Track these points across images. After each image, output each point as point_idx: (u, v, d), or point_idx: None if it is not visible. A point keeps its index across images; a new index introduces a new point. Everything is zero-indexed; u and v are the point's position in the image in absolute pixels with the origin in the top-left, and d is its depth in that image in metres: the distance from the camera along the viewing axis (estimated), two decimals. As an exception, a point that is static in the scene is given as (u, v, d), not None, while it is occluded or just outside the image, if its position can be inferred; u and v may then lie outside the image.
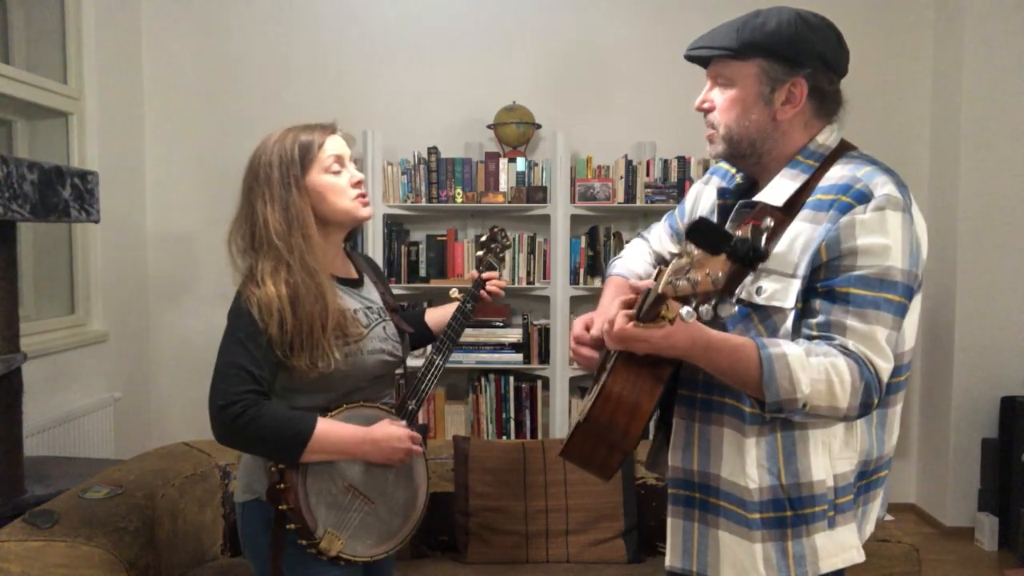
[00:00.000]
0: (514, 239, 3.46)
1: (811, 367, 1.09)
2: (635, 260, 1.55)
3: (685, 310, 0.94)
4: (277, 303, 1.35)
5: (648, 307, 1.07)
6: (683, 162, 3.44)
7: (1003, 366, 3.44)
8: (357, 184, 1.48)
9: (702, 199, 1.46)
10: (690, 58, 1.30)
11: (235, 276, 1.45)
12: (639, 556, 2.21)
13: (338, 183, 1.45)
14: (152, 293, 3.66)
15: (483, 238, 1.78)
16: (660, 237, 1.56)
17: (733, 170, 1.40)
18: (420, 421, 1.55)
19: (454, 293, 1.74)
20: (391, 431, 1.44)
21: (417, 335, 1.75)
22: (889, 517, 2.06)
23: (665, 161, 3.46)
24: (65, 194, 2.14)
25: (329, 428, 1.38)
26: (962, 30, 3.42)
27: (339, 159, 1.46)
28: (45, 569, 1.60)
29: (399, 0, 3.62)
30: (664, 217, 1.58)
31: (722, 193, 1.35)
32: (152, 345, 3.67)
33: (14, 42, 2.97)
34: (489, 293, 1.71)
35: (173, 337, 3.66)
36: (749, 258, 0.86)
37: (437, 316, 1.78)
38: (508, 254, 3.43)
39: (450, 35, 3.64)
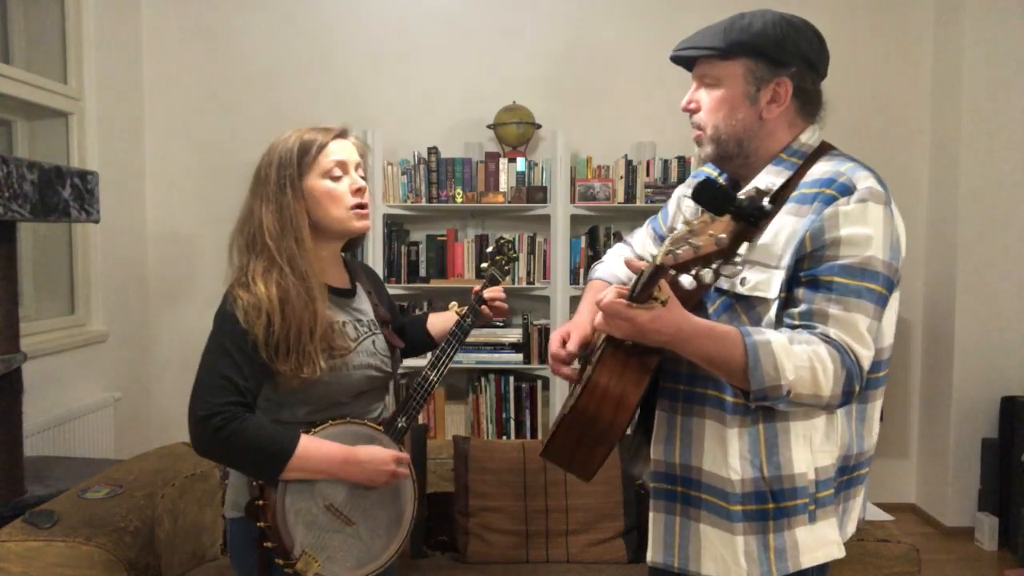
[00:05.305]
0: (514, 239, 3.46)
1: (795, 354, 1.09)
2: (617, 264, 1.54)
3: (686, 279, 0.92)
4: (266, 304, 1.30)
5: (643, 284, 1.04)
6: (683, 162, 3.44)
7: (1003, 366, 3.44)
8: (358, 192, 1.42)
9: (684, 202, 1.47)
10: (676, 59, 1.31)
11: (232, 275, 1.41)
12: (639, 556, 2.20)
13: (336, 189, 1.39)
14: (152, 293, 3.66)
15: (489, 249, 1.73)
16: (643, 241, 1.56)
17: (715, 173, 1.41)
18: (419, 422, 1.52)
19: (455, 307, 1.67)
20: (376, 453, 1.39)
21: (419, 343, 1.72)
22: (889, 517, 2.06)
23: (665, 161, 3.46)
24: (65, 194, 2.14)
25: (312, 446, 1.33)
26: (962, 30, 3.41)
27: (341, 164, 1.40)
28: (45, 569, 1.60)
29: (399, 0, 3.63)
30: (647, 221, 1.58)
31: None
32: (152, 345, 3.67)
33: (14, 42, 2.97)
34: (492, 309, 1.64)
35: (173, 337, 3.66)
36: (755, 216, 0.85)
37: (439, 323, 1.72)
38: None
39: (450, 35, 3.64)
